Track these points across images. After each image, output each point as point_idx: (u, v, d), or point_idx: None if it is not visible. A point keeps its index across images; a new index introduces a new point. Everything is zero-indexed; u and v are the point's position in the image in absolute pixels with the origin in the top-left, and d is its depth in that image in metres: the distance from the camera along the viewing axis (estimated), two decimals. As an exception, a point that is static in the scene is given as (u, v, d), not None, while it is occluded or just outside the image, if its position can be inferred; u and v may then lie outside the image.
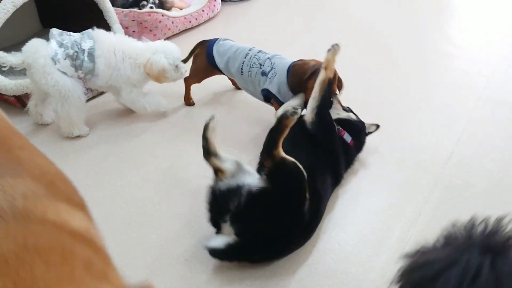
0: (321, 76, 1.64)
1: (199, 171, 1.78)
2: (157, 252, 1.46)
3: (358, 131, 1.79)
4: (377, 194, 1.69)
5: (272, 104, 1.94)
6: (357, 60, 2.64)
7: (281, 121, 1.34)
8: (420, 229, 1.54)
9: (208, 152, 1.40)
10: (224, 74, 2.07)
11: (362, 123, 1.83)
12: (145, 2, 2.78)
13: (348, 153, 1.71)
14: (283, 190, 1.35)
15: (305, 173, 1.37)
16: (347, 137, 1.71)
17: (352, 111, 1.87)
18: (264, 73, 1.87)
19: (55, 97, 1.88)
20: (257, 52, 1.94)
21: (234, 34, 2.97)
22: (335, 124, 1.68)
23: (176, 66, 2.00)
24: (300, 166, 1.37)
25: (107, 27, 2.52)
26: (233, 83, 2.30)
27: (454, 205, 1.63)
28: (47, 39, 2.67)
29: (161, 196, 1.67)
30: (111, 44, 1.93)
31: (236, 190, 1.33)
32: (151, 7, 2.77)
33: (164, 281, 1.37)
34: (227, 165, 1.38)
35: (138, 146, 1.94)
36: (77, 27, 2.73)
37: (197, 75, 2.16)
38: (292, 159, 1.37)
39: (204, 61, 2.06)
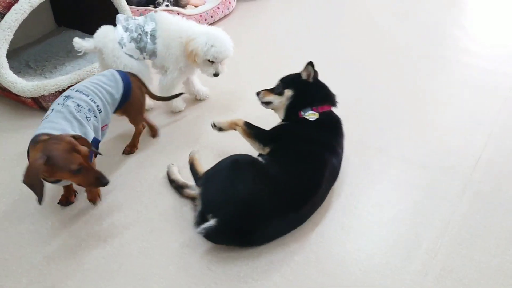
0: None
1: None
2: (180, 261, 1.43)
3: None
4: (403, 201, 1.64)
5: None
6: (375, 62, 2.58)
7: None
8: (450, 238, 1.49)
9: (181, 187, 1.65)
10: None
11: None
12: (160, 0, 2.74)
13: None
14: None
15: None
16: None
17: None
18: None
19: None
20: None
21: (249, 31, 2.93)
22: None
23: (212, 62, 1.92)
24: None
25: (122, 25, 2.49)
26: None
27: (484, 213, 1.58)
28: (61, 37, 2.68)
29: (182, 203, 1.64)
30: (170, 24, 1.95)
31: None
32: (167, 5, 2.73)
33: (188, 292, 1.34)
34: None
35: (159, 150, 1.90)
36: (92, 26, 2.70)
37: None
38: None
39: None
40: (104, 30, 1.93)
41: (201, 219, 1.44)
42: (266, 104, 1.81)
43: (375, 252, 1.45)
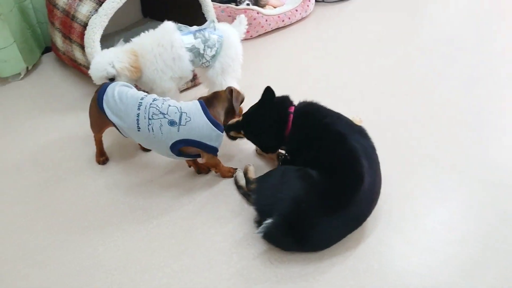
0: None
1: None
2: (243, 251, 1.48)
3: None
4: (474, 221, 1.58)
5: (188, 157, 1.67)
6: (449, 74, 2.49)
7: None
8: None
9: (248, 194, 1.65)
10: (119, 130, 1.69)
11: None
12: (242, -1, 2.81)
13: None
14: None
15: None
16: None
17: None
18: (173, 122, 1.56)
19: None
20: (152, 100, 1.60)
21: (324, 36, 2.94)
22: None
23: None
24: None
25: (203, 20, 2.58)
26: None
27: None
28: (146, 28, 2.83)
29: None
30: None
31: None
32: (248, 4, 2.80)
33: (249, 282, 1.39)
34: None
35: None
36: (175, 19, 2.83)
37: (94, 126, 1.79)
38: None
39: (97, 111, 1.67)
40: None
41: (259, 225, 1.46)
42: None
43: (441, 270, 1.41)
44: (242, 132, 1.74)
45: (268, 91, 1.64)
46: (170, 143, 1.56)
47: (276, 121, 1.64)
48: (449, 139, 1.98)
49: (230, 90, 1.69)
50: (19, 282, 1.40)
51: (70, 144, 1.96)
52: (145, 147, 1.79)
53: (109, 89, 1.64)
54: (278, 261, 1.44)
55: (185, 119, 1.55)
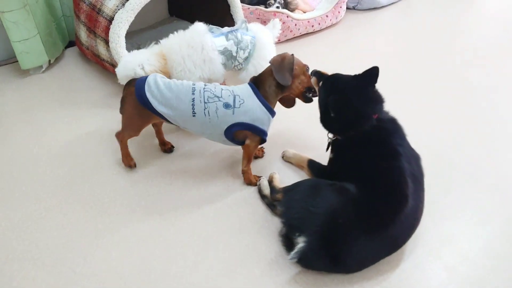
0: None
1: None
2: (266, 266, 1.37)
3: None
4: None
5: (240, 143, 1.61)
6: (493, 91, 2.36)
7: None
8: None
9: (273, 205, 1.56)
10: (166, 120, 1.59)
11: None
12: (272, 1, 2.73)
13: None
14: None
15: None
16: None
17: None
18: (228, 105, 1.53)
19: None
20: (204, 85, 1.56)
21: (353, 43, 2.84)
22: None
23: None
24: None
25: (231, 22, 2.51)
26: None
27: None
28: (172, 26, 2.77)
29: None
30: None
31: None
32: (278, 7, 2.71)
33: (272, 300, 1.28)
34: None
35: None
36: (202, 19, 2.77)
37: (131, 125, 1.65)
38: None
39: (136, 105, 1.55)
40: None
41: (287, 242, 1.36)
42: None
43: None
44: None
45: (376, 71, 1.44)
46: (225, 127, 1.54)
47: (358, 107, 1.47)
48: (489, 157, 1.85)
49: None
50: (25, 284, 1.31)
51: (88, 141, 1.89)
52: (197, 134, 1.67)
53: (150, 80, 1.55)
54: (303, 280, 1.33)
55: (239, 101, 1.53)
